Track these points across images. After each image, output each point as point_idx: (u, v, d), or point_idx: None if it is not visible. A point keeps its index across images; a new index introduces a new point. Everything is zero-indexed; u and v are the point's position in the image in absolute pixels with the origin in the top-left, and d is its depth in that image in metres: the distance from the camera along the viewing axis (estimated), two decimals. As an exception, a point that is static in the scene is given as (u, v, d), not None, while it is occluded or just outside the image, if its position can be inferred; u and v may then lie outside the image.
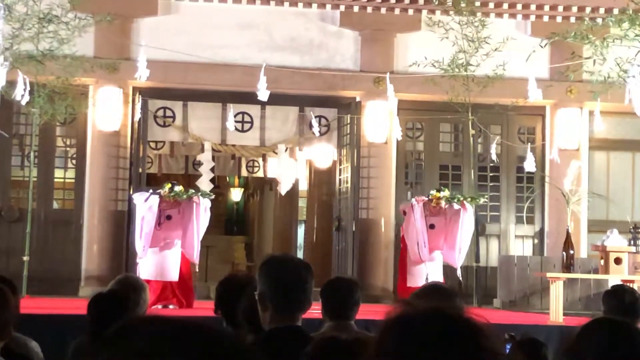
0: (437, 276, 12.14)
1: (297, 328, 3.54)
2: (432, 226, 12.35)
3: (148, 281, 11.08)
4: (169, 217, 11.86)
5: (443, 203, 12.37)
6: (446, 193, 12.52)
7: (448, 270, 12.58)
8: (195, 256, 11.78)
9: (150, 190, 12.08)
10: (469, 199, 12.56)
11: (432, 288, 4.00)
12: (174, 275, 11.71)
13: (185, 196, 11.85)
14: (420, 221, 12.17)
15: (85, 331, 4.55)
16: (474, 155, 14.20)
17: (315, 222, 17.70)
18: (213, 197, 12.67)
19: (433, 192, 12.60)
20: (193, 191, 12.18)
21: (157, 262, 11.74)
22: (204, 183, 14.28)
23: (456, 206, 12.34)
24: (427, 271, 12.13)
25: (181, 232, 11.81)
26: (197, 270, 12.60)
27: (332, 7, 14.43)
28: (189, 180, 16.33)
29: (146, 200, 11.71)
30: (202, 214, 11.81)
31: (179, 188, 12.02)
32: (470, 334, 1.57)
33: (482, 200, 13.16)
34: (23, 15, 12.46)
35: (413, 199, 12.60)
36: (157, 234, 11.74)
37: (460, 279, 12.62)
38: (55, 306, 10.58)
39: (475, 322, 1.61)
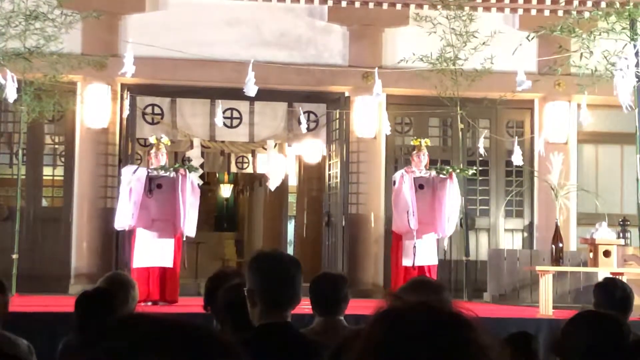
0: (430, 258, 11.96)
1: (287, 324, 3.53)
2: (421, 186, 12.16)
3: (139, 273, 11.12)
4: (159, 186, 11.68)
5: (432, 171, 12.20)
6: (427, 140, 12.40)
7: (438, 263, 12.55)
8: (185, 227, 11.33)
9: (140, 163, 11.95)
10: (458, 170, 12.41)
11: (420, 282, 4.00)
12: (168, 262, 11.53)
13: (172, 170, 11.69)
14: (409, 190, 12.00)
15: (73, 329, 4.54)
16: (462, 149, 14.20)
17: (305, 217, 17.69)
18: (200, 172, 12.48)
19: (413, 139, 12.53)
20: (179, 164, 12.06)
21: (152, 248, 11.54)
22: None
23: (443, 175, 12.14)
24: (417, 247, 11.87)
25: (171, 206, 11.57)
26: (184, 238, 12.10)
27: (320, 3, 14.42)
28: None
29: (134, 172, 11.57)
30: (188, 186, 11.60)
31: (165, 139, 11.97)
32: (459, 328, 1.57)
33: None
34: (9, 13, 12.40)
35: (403, 169, 12.39)
36: (147, 202, 11.46)
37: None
38: (45, 304, 10.53)
39: (463, 315, 1.60)
